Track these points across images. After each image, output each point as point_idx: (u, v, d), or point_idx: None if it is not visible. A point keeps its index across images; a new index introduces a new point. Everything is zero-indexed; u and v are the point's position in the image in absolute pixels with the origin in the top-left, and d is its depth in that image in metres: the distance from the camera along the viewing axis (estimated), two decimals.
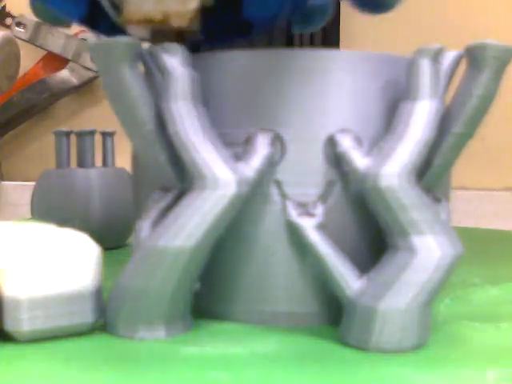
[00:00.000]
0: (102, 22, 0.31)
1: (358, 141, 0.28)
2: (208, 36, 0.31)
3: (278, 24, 0.31)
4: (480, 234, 0.64)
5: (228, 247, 0.29)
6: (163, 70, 0.27)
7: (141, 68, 0.28)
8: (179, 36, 0.29)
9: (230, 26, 0.31)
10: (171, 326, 0.28)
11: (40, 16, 0.32)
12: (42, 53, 1.00)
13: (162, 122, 0.28)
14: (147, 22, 0.27)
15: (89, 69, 0.98)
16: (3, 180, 1.03)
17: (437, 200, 0.29)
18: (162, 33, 0.29)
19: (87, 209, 0.48)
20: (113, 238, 0.50)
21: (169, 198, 0.29)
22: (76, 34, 0.99)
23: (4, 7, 0.97)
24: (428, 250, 0.26)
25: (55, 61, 1.00)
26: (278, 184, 0.29)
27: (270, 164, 0.28)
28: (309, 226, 0.28)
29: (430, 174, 0.29)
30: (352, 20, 0.93)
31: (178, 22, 0.27)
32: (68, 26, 0.33)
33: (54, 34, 0.98)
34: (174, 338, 0.28)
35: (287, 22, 0.34)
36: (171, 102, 0.27)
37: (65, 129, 0.51)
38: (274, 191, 0.29)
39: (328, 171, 0.29)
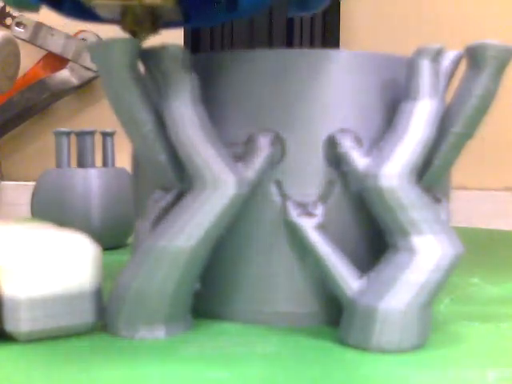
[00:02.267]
0: (67, 1, 0.29)
1: (358, 141, 0.28)
2: (186, 16, 0.29)
3: (267, 5, 0.28)
4: (480, 233, 0.64)
5: (228, 247, 0.29)
6: (163, 71, 0.27)
7: (141, 68, 0.28)
8: (153, 16, 0.27)
9: (211, 4, 0.29)
10: (171, 326, 0.28)
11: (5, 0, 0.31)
12: (42, 53, 1.00)
13: (161, 122, 0.28)
14: None
15: (89, 69, 0.98)
16: (3, 180, 1.03)
17: (437, 200, 0.29)
18: (133, 12, 0.27)
19: (87, 209, 0.48)
20: (113, 238, 0.50)
21: (169, 198, 0.29)
22: (76, 34, 0.99)
23: (4, 7, 0.97)
24: (428, 250, 0.26)
25: (55, 61, 1.00)
26: (278, 184, 0.29)
27: (270, 164, 0.28)
28: (309, 226, 0.28)
29: (430, 173, 0.29)
30: (352, 20, 0.93)
31: None
32: (36, 10, 0.30)
33: (54, 34, 0.98)
34: (173, 337, 0.28)
35: (283, 4, 0.32)
36: (171, 102, 0.27)
37: (65, 129, 0.51)
38: (274, 191, 0.29)
39: (328, 171, 0.29)
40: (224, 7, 0.29)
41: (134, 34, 0.28)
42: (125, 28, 0.28)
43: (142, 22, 0.27)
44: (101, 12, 0.28)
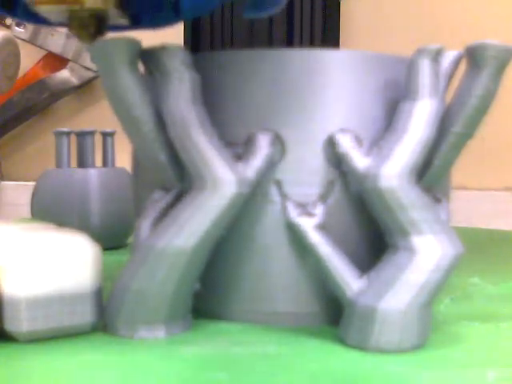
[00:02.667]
0: (17, 5, 0.29)
1: (358, 141, 0.28)
2: (131, 19, 0.29)
3: (212, 7, 0.29)
4: (480, 233, 0.64)
5: (228, 247, 0.29)
6: (163, 71, 0.27)
7: (141, 68, 0.28)
8: (98, 19, 0.28)
9: (155, 7, 0.30)
10: (171, 326, 0.28)
11: None
12: (42, 53, 1.00)
13: (161, 122, 0.28)
14: (58, 2, 0.26)
15: (89, 69, 0.98)
16: (3, 180, 1.03)
17: (437, 200, 0.29)
18: (78, 16, 0.27)
19: (87, 209, 0.48)
20: (113, 237, 0.50)
21: (169, 198, 0.29)
22: None
23: None
24: (428, 250, 0.26)
25: (55, 61, 1.00)
26: (278, 184, 0.29)
27: (270, 164, 0.28)
28: (309, 226, 0.28)
29: (430, 174, 0.29)
30: (352, 20, 0.93)
31: (91, 2, 0.25)
32: None
33: (54, 34, 0.98)
34: (173, 337, 0.28)
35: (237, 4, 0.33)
36: (171, 102, 0.27)
37: (65, 129, 0.51)
38: (274, 191, 0.29)
39: (328, 171, 0.29)
40: (170, 10, 0.29)
41: (80, 37, 0.28)
42: (72, 32, 0.28)
43: (87, 26, 0.28)
44: (48, 16, 0.28)
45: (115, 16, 0.28)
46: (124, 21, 0.29)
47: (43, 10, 0.27)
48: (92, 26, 0.28)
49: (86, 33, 0.28)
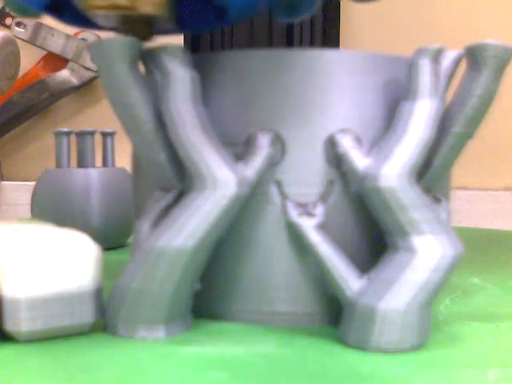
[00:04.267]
0: (67, 10, 0.30)
1: (358, 141, 0.28)
2: (179, 23, 0.30)
3: (256, 12, 0.29)
4: (480, 234, 0.64)
5: (228, 247, 0.29)
6: (163, 70, 0.27)
7: (141, 68, 0.28)
8: (148, 24, 0.28)
9: (202, 12, 0.30)
10: (171, 326, 0.28)
11: (8, 5, 0.31)
12: (42, 53, 1.00)
13: (161, 122, 0.28)
14: (112, 8, 0.26)
15: (89, 69, 0.98)
16: (3, 180, 1.03)
17: (437, 200, 0.29)
18: (130, 20, 0.28)
19: (87, 209, 0.48)
20: (113, 237, 0.50)
21: (169, 198, 0.29)
22: (76, 34, 0.99)
23: (4, 7, 0.97)
24: (428, 250, 0.26)
25: (55, 61, 1.00)
26: (278, 184, 0.29)
27: (270, 164, 0.28)
28: (309, 226, 0.28)
29: (430, 174, 0.29)
30: (352, 20, 0.93)
31: (145, 8, 0.26)
32: (37, 16, 0.31)
33: (54, 34, 0.98)
34: (173, 337, 0.28)
35: (269, 10, 0.33)
36: (171, 102, 0.27)
37: (65, 129, 0.51)
38: (274, 191, 0.29)
39: (328, 171, 0.29)
40: (214, 15, 0.30)
41: None
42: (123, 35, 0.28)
43: (138, 30, 0.28)
44: (100, 21, 0.28)
45: (164, 20, 0.28)
46: (170, 25, 0.30)
47: (98, 14, 0.27)
48: (142, 31, 0.28)
49: (136, 36, 0.28)
